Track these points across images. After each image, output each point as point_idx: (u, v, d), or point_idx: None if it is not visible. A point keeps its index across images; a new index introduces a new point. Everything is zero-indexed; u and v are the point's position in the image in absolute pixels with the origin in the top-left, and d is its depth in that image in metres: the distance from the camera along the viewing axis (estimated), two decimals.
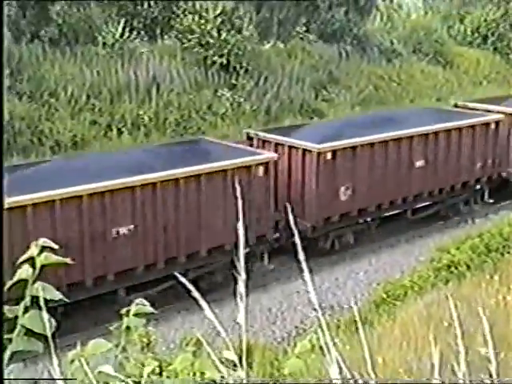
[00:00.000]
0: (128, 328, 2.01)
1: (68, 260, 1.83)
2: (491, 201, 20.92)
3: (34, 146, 20.08)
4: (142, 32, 26.00)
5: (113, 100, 22.48)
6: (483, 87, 32.23)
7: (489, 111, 20.98)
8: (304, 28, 29.42)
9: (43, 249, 1.75)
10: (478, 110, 21.36)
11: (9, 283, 1.75)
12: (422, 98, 29.10)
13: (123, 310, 2.04)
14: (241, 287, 1.99)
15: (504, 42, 36.48)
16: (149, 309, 2.07)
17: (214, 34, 24.98)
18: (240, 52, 25.39)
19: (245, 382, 1.92)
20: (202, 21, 25.13)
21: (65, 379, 1.79)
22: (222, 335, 2.08)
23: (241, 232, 2.12)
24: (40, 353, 1.83)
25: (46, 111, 20.91)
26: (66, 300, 1.92)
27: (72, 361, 1.76)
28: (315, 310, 2.08)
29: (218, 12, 25.13)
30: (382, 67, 30.63)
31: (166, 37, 26.48)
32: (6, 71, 20.99)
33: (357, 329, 10.81)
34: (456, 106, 22.75)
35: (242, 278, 1.99)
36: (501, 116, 20.53)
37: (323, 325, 1.95)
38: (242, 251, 1.96)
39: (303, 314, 14.31)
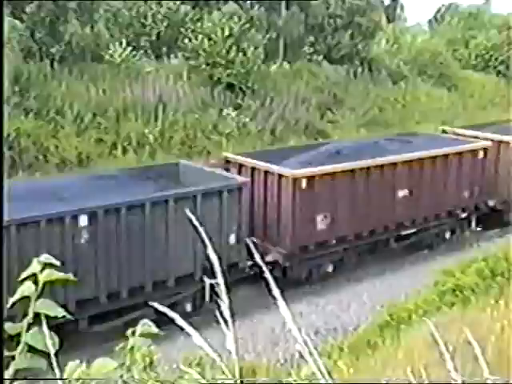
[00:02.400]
0: (133, 348, 2.00)
1: (70, 276, 1.81)
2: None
3: (40, 163, 20.13)
4: (149, 51, 26.18)
5: (118, 118, 22.58)
6: (487, 111, 32.28)
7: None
8: (311, 49, 29.60)
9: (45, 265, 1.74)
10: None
11: (11, 300, 1.73)
12: (427, 120, 29.14)
13: (129, 331, 2.03)
14: (225, 313, 1.96)
15: (507, 66, 36.65)
16: (154, 329, 2.06)
17: (222, 54, 25.13)
18: (246, 72, 25.53)
19: None
20: (211, 42, 25.30)
21: (64, 379, 1.77)
22: (217, 360, 2.06)
23: (214, 259, 2.09)
24: (43, 370, 1.81)
25: (52, 128, 20.99)
26: (69, 317, 1.88)
27: (78, 379, 1.74)
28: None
29: (226, 34, 25.29)
30: (388, 89, 30.74)
31: (172, 56, 26.64)
32: (16, 88, 21.13)
33: (360, 352, 10.73)
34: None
35: (225, 304, 1.97)
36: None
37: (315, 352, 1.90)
38: (220, 277, 1.93)
39: (306, 336, 14.19)
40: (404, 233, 18.37)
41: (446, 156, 18.78)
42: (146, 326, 2.02)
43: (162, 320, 2.53)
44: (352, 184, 16.53)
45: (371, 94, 29.63)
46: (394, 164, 17.45)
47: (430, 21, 44.94)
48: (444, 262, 17.00)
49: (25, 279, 1.73)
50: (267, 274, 2.07)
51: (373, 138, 21.31)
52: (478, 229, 20.34)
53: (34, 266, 1.69)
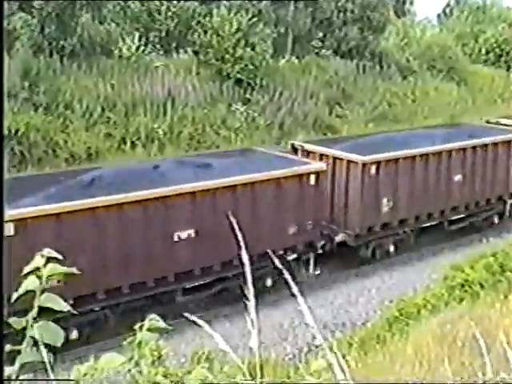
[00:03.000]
0: (141, 342, 1.99)
1: (74, 270, 1.81)
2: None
3: (49, 157, 20.18)
4: (158, 46, 26.18)
5: (127, 113, 22.60)
6: (497, 105, 32.13)
7: None
8: (320, 43, 29.53)
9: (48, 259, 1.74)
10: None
11: (15, 294, 1.73)
12: (436, 115, 29.02)
13: (137, 325, 2.03)
14: (252, 313, 1.95)
15: None
16: (162, 324, 2.05)
17: (230, 50, 25.11)
18: (255, 67, 25.50)
19: None
20: (219, 38, 25.29)
21: (65, 380, 1.77)
22: (231, 354, 2.06)
23: (244, 257, 2.07)
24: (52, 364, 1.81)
25: (61, 123, 21.03)
26: (73, 311, 1.87)
27: (85, 374, 1.74)
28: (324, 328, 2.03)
29: (234, 29, 25.26)
30: (397, 84, 30.62)
31: (181, 51, 26.63)
32: (25, 83, 21.17)
33: (369, 347, 10.73)
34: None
35: (251, 303, 1.96)
36: None
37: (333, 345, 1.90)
38: (249, 276, 1.92)
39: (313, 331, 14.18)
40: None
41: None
42: (154, 320, 2.01)
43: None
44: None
45: (380, 88, 29.52)
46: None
47: (438, 15, 44.68)
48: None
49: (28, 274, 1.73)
50: (286, 275, 2.09)
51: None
52: None
53: (37, 261, 1.69)
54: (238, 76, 25.27)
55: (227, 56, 25.15)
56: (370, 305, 15.71)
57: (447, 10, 44.11)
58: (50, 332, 1.68)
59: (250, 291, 2.04)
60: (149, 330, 2.03)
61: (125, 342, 2.05)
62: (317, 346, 12.98)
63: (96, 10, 24.69)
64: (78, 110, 21.60)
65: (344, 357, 9.89)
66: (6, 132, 19.60)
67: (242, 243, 2.10)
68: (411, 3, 43.62)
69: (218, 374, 2.17)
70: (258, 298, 2.08)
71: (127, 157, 21.04)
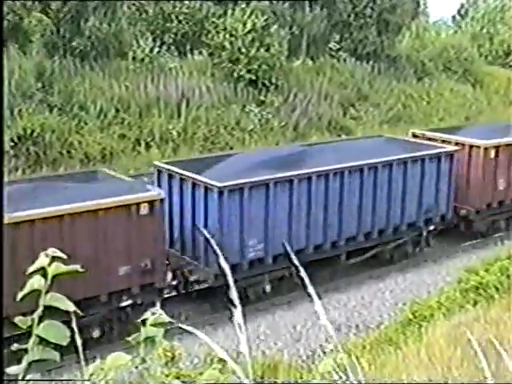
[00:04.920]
0: (147, 339, 1.98)
1: (78, 268, 1.81)
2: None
3: (64, 158, 20.29)
4: (172, 47, 26.24)
5: (142, 114, 22.67)
6: None
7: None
8: (337, 46, 29.47)
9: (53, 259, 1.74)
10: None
11: (21, 294, 1.73)
12: (451, 116, 28.89)
13: (140, 320, 2.02)
14: (238, 317, 1.94)
15: None
16: (166, 318, 2.04)
17: (244, 50, 25.12)
18: (269, 68, 25.49)
19: None
20: (233, 38, 25.30)
21: (65, 380, 1.77)
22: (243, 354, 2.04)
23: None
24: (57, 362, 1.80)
25: (75, 124, 21.14)
26: (78, 312, 1.85)
27: (91, 374, 1.74)
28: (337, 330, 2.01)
29: (247, 29, 25.27)
30: (412, 85, 30.50)
31: (196, 52, 26.68)
32: (38, 84, 21.30)
33: (382, 349, 10.67)
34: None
35: (237, 308, 1.95)
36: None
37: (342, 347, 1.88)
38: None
39: (328, 332, 14.13)
40: None
41: None
42: (158, 315, 2.00)
43: None
44: None
45: (395, 90, 29.43)
46: None
47: (454, 16, 44.47)
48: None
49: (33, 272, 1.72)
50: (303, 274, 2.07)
51: None
52: None
53: (42, 260, 1.68)
54: (251, 76, 25.26)
55: (241, 56, 25.14)
56: (384, 307, 15.63)
57: (462, 11, 43.89)
58: (55, 331, 1.67)
59: (235, 297, 2.03)
60: (153, 325, 2.02)
61: (130, 339, 2.03)
62: (330, 349, 12.93)
63: (111, 11, 24.79)
64: (93, 111, 21.70)
65: (357, 358, 9.86)
66: (21, 132, 19.76)
67: None
68: (426, 5, 43.47)
69: (228, 375, 2.15)
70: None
71: (142, 158, 21.10)
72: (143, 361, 1.93)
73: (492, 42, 37.88)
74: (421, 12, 42.20)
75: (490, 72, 35.02)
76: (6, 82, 18.59)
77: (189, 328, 2.33)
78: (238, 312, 1.96)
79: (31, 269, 1.70)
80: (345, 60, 29.37)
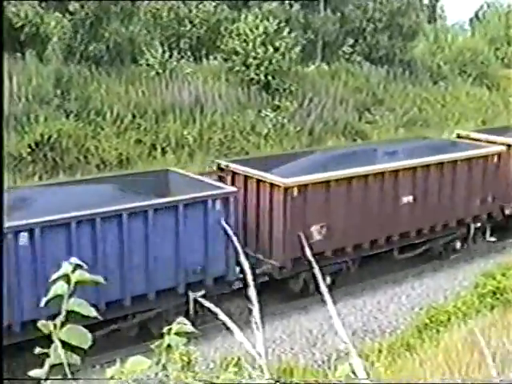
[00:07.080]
0: (169, 346, 2.01)
1: (100, 279, 1.86)
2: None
3: (81, 163, 20.42)
4: (188, 53, 26.35)
5: (157, 120, 22.78)
6: None
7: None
8: (350, 50, 29.47)
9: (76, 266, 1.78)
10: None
11: (44, 299, 1.78)
12: (467, 120, 28.75)
13: (165, 329, 2.05)
14: (256, 317, 1.96)
15: None
16: (190, 328, 2.07)
17: (258, 55, 25.14)
18: (284, 73, 25.51)
19: None
20: (245, 44, 25.36)
21: (65, 379, 1.80)
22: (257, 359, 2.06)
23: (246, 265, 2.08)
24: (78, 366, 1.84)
25: (92, 130, 21.28)
26: (99, 317, 1.87)
27: (111, 377, 1.77)
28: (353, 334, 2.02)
29: (259, 32, 25.27)
30: (428, 89, 30.41)
31: (210, 57, 26.78)
32: (57, 91, 21.45)
33: (399, 354, 10.64)
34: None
35: (255, 307, 1.97)
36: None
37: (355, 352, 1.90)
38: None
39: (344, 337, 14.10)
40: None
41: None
42: (182, 324, 2.03)
43: None
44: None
45: (411, 94, 29.35)
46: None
47: (471, 19, 44.30)
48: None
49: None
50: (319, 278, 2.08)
51: None
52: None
53: (66, 267, 1.73)
54: (267, 82, 25.27)
55: (251, 60, 25.15)
56: (400, 312, 15.56)
57: (480, 14, 43.70)
58: (77, 335, 1.71)
59: (254, 297, 2.06)
60: (176, 334, 2.05)
61: (153, 346, 2.07)
62: (346, 353, 12.91)
63: (127, 17, 24.95)
64: (109, 117, 21.84)
65: (373, 363, 9.85)
66: (39, 138, 19.92)
67: None
68: (442, 8, 43.34)
69: (244, 379, 2.18)
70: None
71: (158, 163, 21.19)
72: (164, 368, 1.96)
73: (509, 45, 37.66)
74: (438, 16, 42.09)
75: (507, 75, 34.82)
76: (5, 82, 18.73)
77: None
78: (255, 311, 1.99)
79: (54, 276, 1.74)
80: (360, 64, 29.37)
